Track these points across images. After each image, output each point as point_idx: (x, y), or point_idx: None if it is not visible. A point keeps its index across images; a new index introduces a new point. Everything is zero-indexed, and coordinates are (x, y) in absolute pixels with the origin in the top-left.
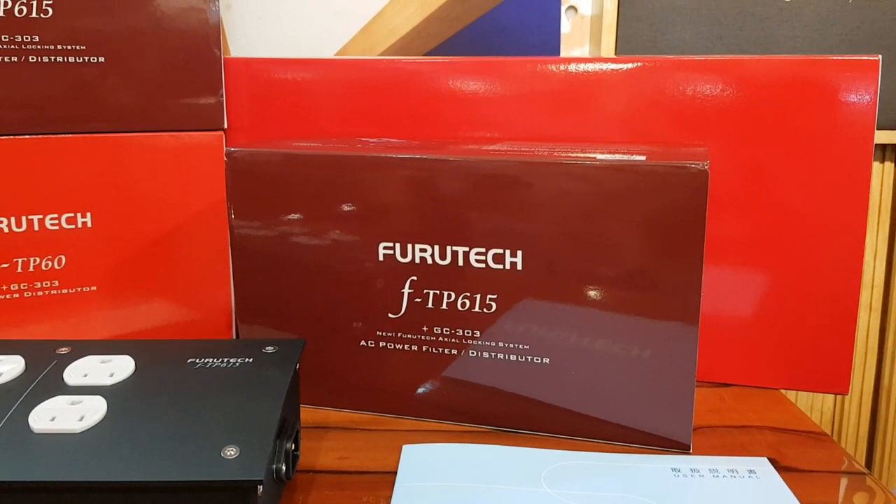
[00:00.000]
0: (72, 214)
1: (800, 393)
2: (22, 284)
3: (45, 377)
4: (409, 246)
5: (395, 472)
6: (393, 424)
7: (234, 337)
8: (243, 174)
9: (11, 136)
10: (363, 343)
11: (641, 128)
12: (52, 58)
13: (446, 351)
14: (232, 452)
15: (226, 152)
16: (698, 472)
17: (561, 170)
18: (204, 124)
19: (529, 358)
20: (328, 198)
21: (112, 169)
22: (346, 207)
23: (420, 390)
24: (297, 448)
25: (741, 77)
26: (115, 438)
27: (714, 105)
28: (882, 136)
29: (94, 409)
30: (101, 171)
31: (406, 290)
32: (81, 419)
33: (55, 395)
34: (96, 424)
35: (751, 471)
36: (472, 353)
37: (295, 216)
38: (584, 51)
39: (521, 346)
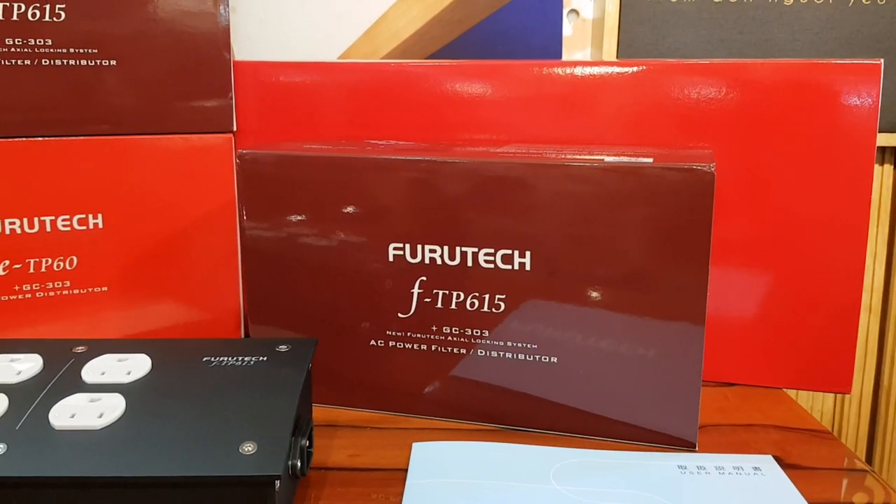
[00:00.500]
0: (83, 216)
1: (800, 393)
2: (34, 285)
3: (63, 375)
4: (419, 247)
5: (405, 470)
6: (402, 423)
7: (243, 336)
8: (254, 176)
9: (25, 139)
10: (373, 342)
11: (645, 131)
12: (65, 61)
13: (455, 350)
14: (250, 448)
15: (237, 155)
16: (704, 469)
17: (569, 172)
18: (213, 127)
19: (537, 357)
20: (338, 199)
21: (123, 171)
22: (355, 209)
23: (429, 389)
24: (310, 445)
25: (744, 81)
26: (134, 435)
27: (717, 108)
28: (882, 139)
29: (112, 407)
30: (112, 172)
31: (415, 290)
32: (101, 416)
33: (74, 393)
34: (115, 421)
35: (756, 468)
36: (481, 352)
37: (305, 217)
38: (585, 54)
39: (529, 346)
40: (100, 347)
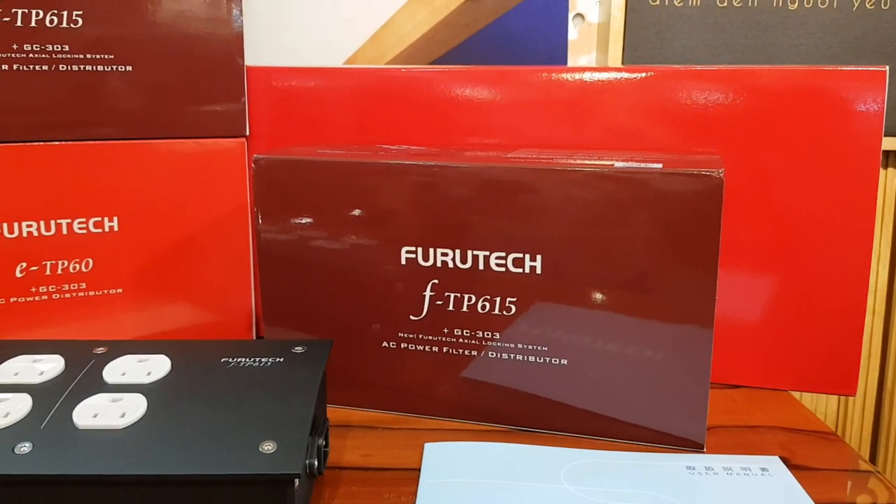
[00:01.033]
0: (99, 218)
1: (803, 396)
2: (51, 286)
3: (85, 376)
4: (431, 250)
5: (418, 470)
6: (414, 423)
7: (255, 337)
8: (269, 180)
9: (42, 143)
10: (385, 344)
11: (652, 136)
12: (82, 66)
13: (466, 352)
14: (269, 448)
15: (253, 159)
16: (712, 469)
17: (579, 177)
18: (226, 131)
19: (547, 359)
20: (351, 203)
21: (138, 174)
22: (368, 213)
23: (440, 390)
24: (326, 444)
25: (751, 87)
26: (156, 434)
27: (724, 114)
28: (886, 143)
29: (134, 407)
30: (127, 176)
31: (427, 293)
32: (123, 416)
33: (96, 393)
34: (138, 421)
35: (763, 469)
36: (492, 354)
37: (319, 221)
38: (590, 58)
39: (539, 348)
40: (120, 348)
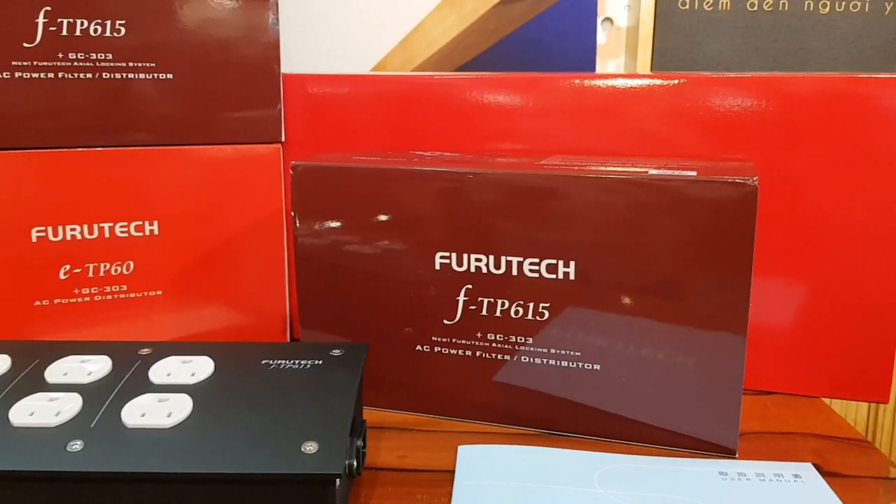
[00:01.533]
0: (140, 222)
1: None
2: (93, 288)
3: (131, 376)
4: (465, 256)
5: (452, 472)
6: (447, 426)
7: (289, 339)
8: (306, 186)
9: (85, 148)
10: (419, 348)
11: (683, 143)
12: (124, 74)
13: (499, 356)
14: (311, 448)
15: (290, 166)
16: (745, 475)
17: (613, 184)
18: (262, 137)
19: (580, 364)
20: (385, 209)
21: (177, 179)
22: (402, 218)
23: (473, 394)
24: (364, 445)
25: (782, 93)
26: (202, 434)
27: (755, 120)
28: None
29: (180, 407)
30: (167, 181)
31: (461, 298)
32: (169, 415)
33: (143, 393)
34: (183, 420)
35: (796, 475)
36: (525, 358)
37: (354, 226)
38: (619, 62)
39: (572, 353)
40: (164, 350)
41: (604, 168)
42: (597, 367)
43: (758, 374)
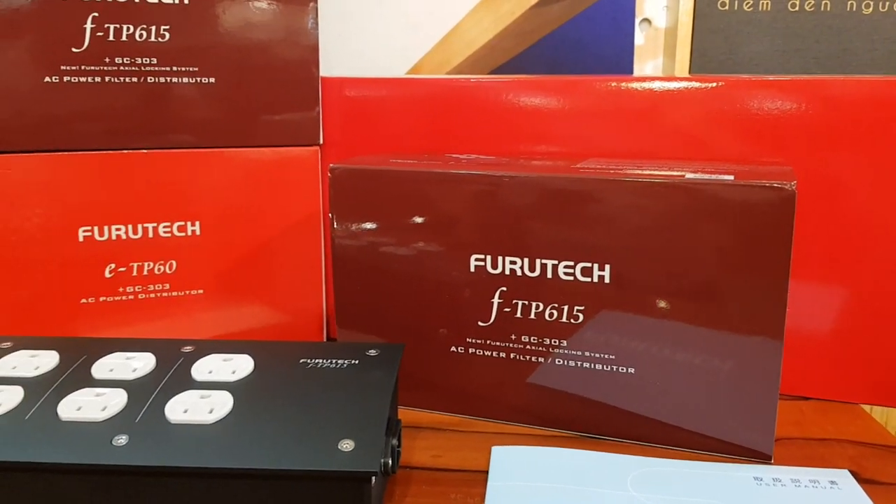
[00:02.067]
0: (182, 223)
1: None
2: (137, 286)
3: (174, 373)
4: (500, 258)
5: (485, 472)
6: (480, 427)
7: (325, 338)
8: (344, 189)
9: (130, 150)
10: (453, 349)
11: (721, 146)
12: (168, 78)
13: (533, 358)
14: (348, 446)
15: (329, 169)
16: (780, 481)
17: (650, 187)
18: (301, 139)
19: (615, 367)
20: (421, 211)
21: (218, 181)
22: (438, 221)
23: (507, 395)
24: (399, 444)
25: (823, 97)
26: (242, 430)
27: (795, 124)
28: None
29: (222, 403)
30: (208, 183)
31: (495, 300)
32: (211, 412)
33: (186, 390)
34: (224, 417)
35: (832, 482)
36: (559, 361)
37: (391, 228)
38: (657, 63)
39: (606, 356)
40: (205, 348)
41: (640, 171)
42: (631, 370)
43: (796, 378)
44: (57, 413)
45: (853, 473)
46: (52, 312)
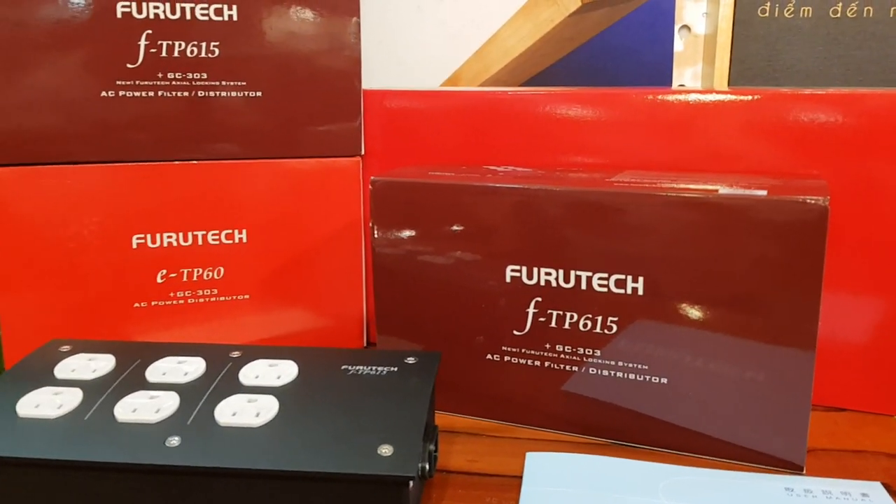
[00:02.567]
0: (230, 231)
1: None
2: (186, 292)
3: (223, 377)
4: (535, 269)
5: (519, 477)
6: (515, 433)
7: (365, 344)
8: (384, 200)
9: (181, 161)
10: (489, 356)
11: (757, 159)
12: (217, 93)
13: (567, 367)
14: (386, 451)
15: (370, 181)
16: (811, 492)
17: (683, 202)
18: (343, 151)
19: (648, 377)
20: (459, 223)
21: (264, 191)
22: (475, 232)
23: (542, 402)
24: (436, 449)
25: (860, 111)
26: (287, 433)
27: (832, 137)
28: None
29: (268, 408)
30: (255, 192)
31: (531, 310)
32: (258, 415)
33: (234, 394)
34: (271, 421)
35: (864, 494)
36: (593, 370)
37: (429, 238)
38: (696, 70)
39: (639, 366)
40: (252, 353)
41: (674, 185)
42: (664, 380)
43: (830, 390)
44: (114, 415)
45: (886, 486)
46: (107, 316)
